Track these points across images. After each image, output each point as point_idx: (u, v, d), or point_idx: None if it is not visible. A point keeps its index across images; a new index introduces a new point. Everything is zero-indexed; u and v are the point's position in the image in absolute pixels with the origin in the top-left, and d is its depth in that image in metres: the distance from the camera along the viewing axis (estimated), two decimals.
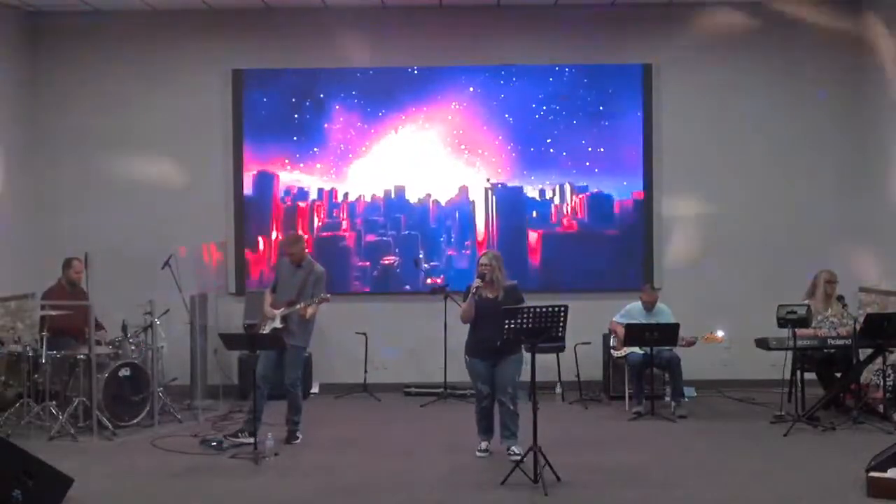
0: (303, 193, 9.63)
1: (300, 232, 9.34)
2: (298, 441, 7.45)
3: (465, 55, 9.62)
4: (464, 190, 9.64)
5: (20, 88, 9.44)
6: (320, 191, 9.64)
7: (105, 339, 8.23)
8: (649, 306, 8.53)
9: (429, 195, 9.65)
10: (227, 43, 9.59)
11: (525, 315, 6.28)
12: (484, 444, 6.98)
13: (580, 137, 9.58)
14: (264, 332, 7.46)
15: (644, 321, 8.37)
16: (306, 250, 7.80)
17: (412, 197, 9.65)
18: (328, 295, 7.47)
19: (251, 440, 7.08)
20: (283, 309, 7.47)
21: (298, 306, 7.38)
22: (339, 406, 9.06)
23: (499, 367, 6.83)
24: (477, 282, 6.83)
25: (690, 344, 8.27)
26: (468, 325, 7.01)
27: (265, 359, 7.44)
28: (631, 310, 8.56)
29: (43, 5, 9.33)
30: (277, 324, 7.45)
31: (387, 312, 9.61)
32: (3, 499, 5.37)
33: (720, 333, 8.31)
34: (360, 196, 9.65)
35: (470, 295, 6.83)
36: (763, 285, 9.27)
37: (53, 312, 7.81)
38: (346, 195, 9.64)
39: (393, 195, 9.66)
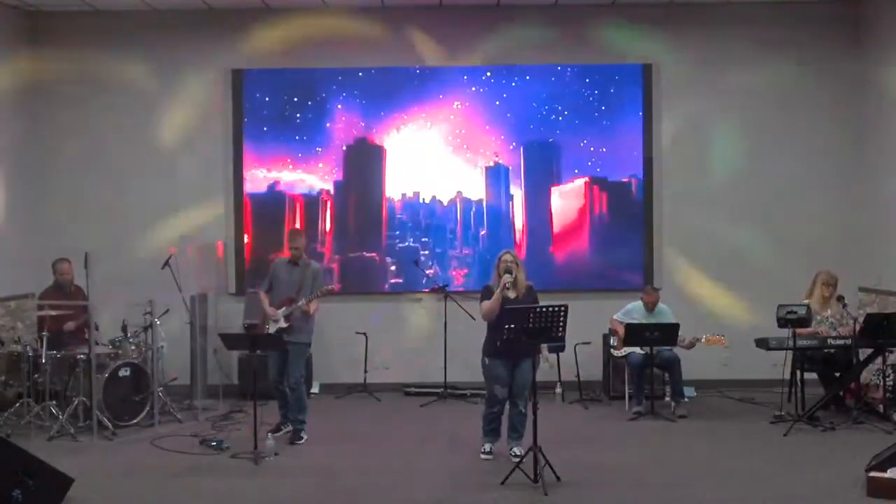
0: (305, 192, 9.63)
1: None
2: (303, 441, 7.44)
3: (465, 55, 9.61)
4: (466, 188, 9.64)
5: (19, 88, 9.42)
6: (321, 190, 9.65)
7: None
8: (650, 307, 8.53)
9: (431, 194, 9.65)
10: (227, 43, 9.58)
11: (525, 315, 6.26)
12: (488, 447, 6.92)
13: (581, 137, 9.59)
14: (270, 332, 7.44)
15: (645, 321, 8.37)
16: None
17: (414, 195, 9.65)
18: (334, 286, 7.54)
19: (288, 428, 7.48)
20: (284, 308, 7.47)
21: (301, 303, 7.39)
22: (339, 406, 9.06)
23: (519, 369, 6.72)
24: (507, 277, 6.64)
25: (692, 346, 8.27)
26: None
27: (274, 360, 7.49)
28: (631, 309, 8.57)
29: (43, 5, 9.33)
30: (283, 323, 7.45)
31: (387, 312, 9.62)
32: (3, 499, 5.37)
33: (722, 336, 8.32)
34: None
35: (499, 290, 6.62)
36: (763, 285, 9.26)
37: (53, 313, 7.83)
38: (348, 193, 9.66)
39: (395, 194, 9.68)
